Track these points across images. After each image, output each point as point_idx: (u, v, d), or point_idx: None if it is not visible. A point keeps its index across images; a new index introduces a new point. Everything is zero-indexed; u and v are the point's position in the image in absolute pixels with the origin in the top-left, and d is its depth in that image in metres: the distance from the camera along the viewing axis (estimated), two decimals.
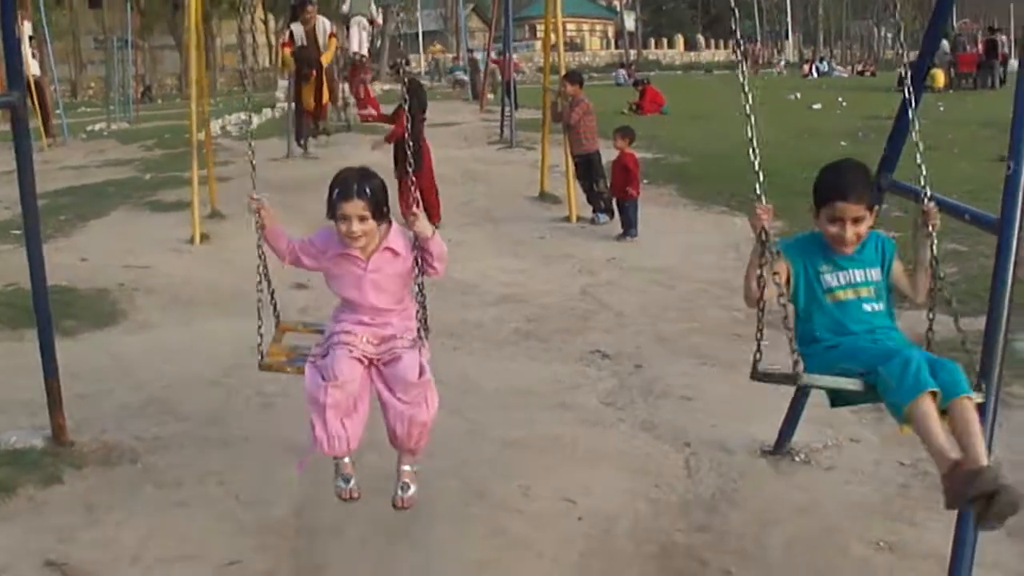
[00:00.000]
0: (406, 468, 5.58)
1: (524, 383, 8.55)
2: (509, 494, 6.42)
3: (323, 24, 20.24)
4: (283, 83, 22.24)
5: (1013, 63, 48.05)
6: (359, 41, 28.47)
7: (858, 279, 4.93)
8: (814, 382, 4.70)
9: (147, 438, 7.40)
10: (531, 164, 19.92)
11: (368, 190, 5.30)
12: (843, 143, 23.32)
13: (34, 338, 7.25)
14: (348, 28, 27.49)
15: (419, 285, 5.41)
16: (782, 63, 79.39)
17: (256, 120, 32.20)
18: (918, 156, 4.99)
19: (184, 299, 11.51)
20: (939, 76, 40.37)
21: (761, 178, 4.70)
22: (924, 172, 4.99)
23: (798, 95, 42.57)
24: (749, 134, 4.75)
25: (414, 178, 5.56)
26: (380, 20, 32.05)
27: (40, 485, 6.61)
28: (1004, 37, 51.41)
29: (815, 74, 67.08)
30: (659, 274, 12.27)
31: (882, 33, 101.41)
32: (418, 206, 5.45)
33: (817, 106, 36.22)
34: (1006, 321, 4.61)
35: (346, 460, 5.53)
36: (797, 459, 6.87)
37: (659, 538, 5.88)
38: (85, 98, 65.95)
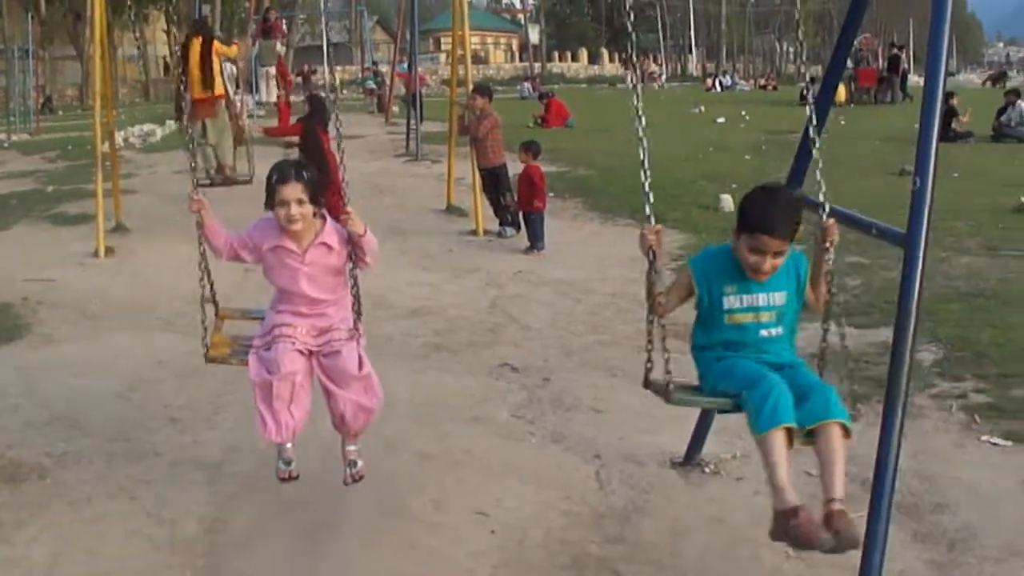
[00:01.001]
0: (351, 448, 6.03)
1: (435, 396, 8.56)
2: (422, 508, 6.42)
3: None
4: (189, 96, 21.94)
5: (913, 78, 48.90)
6: (265, 91, 28.68)
7: (760, 303, 4.99)
8: (685, 402, 5.10)
9: (55, 454, 7.31)
10: (437, 177, 19.94)
11: (304, 174, 5.66)
12: (747, 156, 23.58)
13: None
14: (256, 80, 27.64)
15: (353, 277, 5.80)
16: (662, 76, 78.10)
17: (159, 132, 31.94)
18: (818, 173, 5.19)
19: (89, 313, 11.39)
20: (840, 90, 40.91)
21: (651, 199, 4.97)
22: (824, 188, 5.10)
23: (702, 108, 42.99)
24: (641, 156, 4.99)
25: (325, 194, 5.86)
26: (283, 51, 32.24)
27: None
28: (904, 53, 52.40)
29: (718, 88, 67.69)
30: (566, 287, 12.32)
31: (784, 48, 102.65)
32: (346, 207, 5.71)
33: (721, 120, 36.59)
34: (913, 333, 4.69)
35: (288, 445, 5.86)
36: (707, 470, 6.93)
37: (572, 550, 5.90)
38: None
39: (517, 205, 15.27)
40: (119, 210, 16.16)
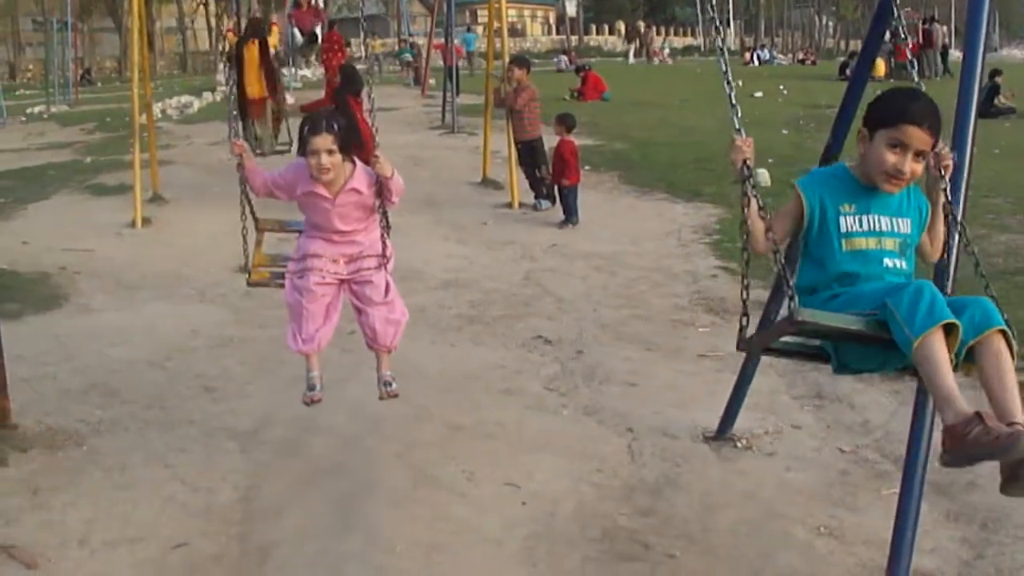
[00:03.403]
0: (387, 373, 6.18)
1: (468, 368, 8.57)
2: (454, 478, 6.43)
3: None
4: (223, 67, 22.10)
5: (954, 53, 48.41)
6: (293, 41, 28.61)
7: (884, 228, 4.31)
8: (813, 318, 3.92)
9: (91, 421, 7.37)
10: (473, 150, 19.91)
11: (335, 125, 5.90)
12: (784, 131, 23.43)
13: None
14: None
15: (382, 211, 6.13)
16: (666, 51, 77.06)
17: (196, 103, 32.06)
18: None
19: (126, 283, 11.44)
20: (880, 65, 40.63)
21: (739, 112, 4.55)
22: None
23: (739, 83, 42.71)
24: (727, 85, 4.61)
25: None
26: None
27: None
28: (945, 27, 51.87)
29: (756, 62, 67.29)
30: (601, 261, 12.29)
31: (823, 22, 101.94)
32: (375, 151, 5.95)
33: (759, 94, 36.36)
34: None
35: (315, 372, 6.11)
36: (739, 445, 6.90)
37: (603, 522, 5.90)
38: (24, 80, 65.33)
39: (552, 178, 15.24)
40: (156, 181, 16.25)
